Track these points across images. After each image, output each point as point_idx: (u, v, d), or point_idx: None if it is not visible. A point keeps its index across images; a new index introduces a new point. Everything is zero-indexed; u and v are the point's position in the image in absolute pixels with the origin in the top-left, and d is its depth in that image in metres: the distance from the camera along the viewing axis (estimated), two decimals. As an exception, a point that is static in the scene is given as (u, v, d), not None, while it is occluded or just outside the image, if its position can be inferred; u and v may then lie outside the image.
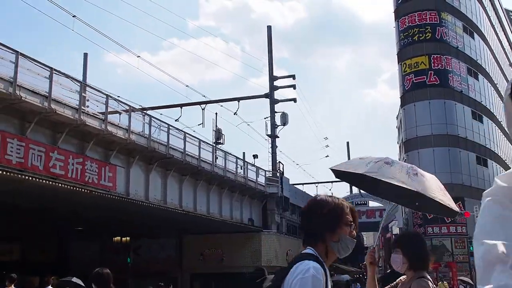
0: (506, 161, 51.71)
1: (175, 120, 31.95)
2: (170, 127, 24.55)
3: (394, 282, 4.22)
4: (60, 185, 18.38)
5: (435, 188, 4.16)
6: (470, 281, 28.74)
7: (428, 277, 3.95)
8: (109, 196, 20.87)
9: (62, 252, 35.98)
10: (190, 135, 25.98)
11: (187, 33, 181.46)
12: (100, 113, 20.16)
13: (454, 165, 40.41)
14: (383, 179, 4.04)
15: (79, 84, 19.25)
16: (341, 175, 4.60)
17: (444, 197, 4.16)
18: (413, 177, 4.10)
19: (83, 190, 19.38)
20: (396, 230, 73.89)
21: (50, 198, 20.78)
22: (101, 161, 20.69)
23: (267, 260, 32.73)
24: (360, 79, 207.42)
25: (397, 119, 76.42)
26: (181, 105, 38.96)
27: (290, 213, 38.93)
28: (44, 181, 17.74)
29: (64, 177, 18.54)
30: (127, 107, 21.88)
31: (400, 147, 74.09)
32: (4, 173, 16.28)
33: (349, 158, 68.05)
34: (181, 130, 25.76)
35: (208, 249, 33.39)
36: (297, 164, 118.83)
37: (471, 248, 35.45)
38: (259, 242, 32.94)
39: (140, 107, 25.84)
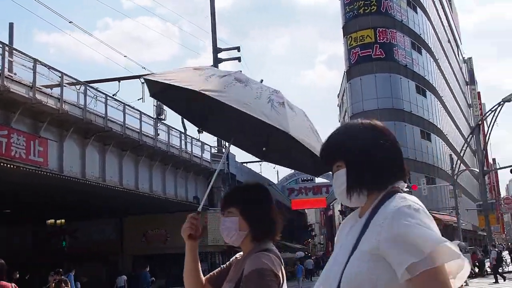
0: (447, 136, 52.44)
1: (113, 95, 29.78)
2: (108, 98, 22.59)
3: (228, 262, 2.66)
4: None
5: (306, 129, 2.74)
6: None
7: (276, 251, 2.37)
8: (40, 173, 18.82)
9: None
10: (130, 106, 24.11)
11: (122, 12, 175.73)
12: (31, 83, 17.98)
13: (400, 139, 39.20)
14: (231, 104, 2.44)
15: (0, 46, 17.01)
16: (159, 94, 2.90)
17: (316, 145, 2.54)
18: (278, 107, 2.57)
19: (8, 166, 17.27)
20: (338, 208, 74.57)
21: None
22: (30, 133, 18.58)
23: (213, 239, 31.32)
24: (298, 60, 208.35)
25: (338, 97, 76.68)
26: (119, 79, 36.52)
27: (236, 190, 37.62)
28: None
29: (-14, 150, 16.45)
30: (59, 75, 19.73)
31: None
32: None
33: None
34: (121, 101, 23.83)
35: (151, 229, 31.71)
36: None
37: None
38: (204, 221, 31.46)
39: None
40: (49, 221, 30.73)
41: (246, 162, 47.14)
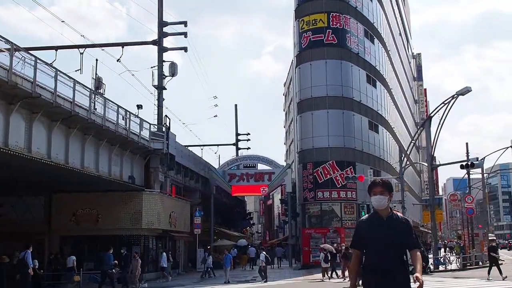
0: (394, 129, 52.45)
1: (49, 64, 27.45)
2: (38, 61, 20.41)
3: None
4: None
5: None
6: (332, 249, 28.20)
7: None
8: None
9: None
10: (63, 73, 21.94)
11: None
12: None
13: (348, 129, 39.67)
14: None
15: None
16: None
17: None
18: None
19: None
20: (278, 197, 73.97)
21: None
22: None
23: (148, 222, 29.73)
24: (245, 50, 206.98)
25: (284, 86, 76.16)
26: (56, 47, 34.24)
27: (175, 172, 36.01)
28: None
29: None
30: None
31: (286, 114, 73.83)
32: None
33: (237, 121, 66.37)
34: (52, 66, 21.65)
35: (81, 209, 29.63)
36: (184, 123, 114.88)
37: (362, 213, 34.95)
38: (140, 202, 29.76)
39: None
40: (-32, 194, 28.13)
41: (188, 146, 45.50)
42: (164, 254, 27.18)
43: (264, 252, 30.53)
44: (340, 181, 38.25)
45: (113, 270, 23.18)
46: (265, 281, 26.33)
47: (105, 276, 22.50)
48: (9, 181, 26.05)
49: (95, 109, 24.92)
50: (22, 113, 20.42)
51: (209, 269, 31.36)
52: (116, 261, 23.75)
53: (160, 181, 32.29)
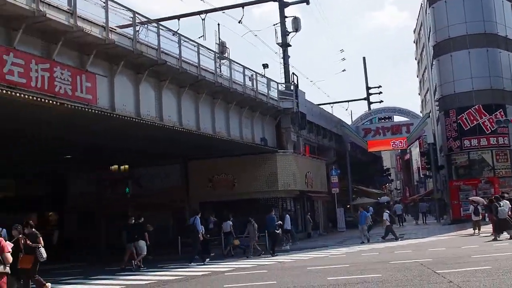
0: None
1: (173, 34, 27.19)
2: (161, 27, 20.04)
3: None
4: (22, 95, 14.29)
5: None
6: (483, 201, 25.30)
7: None
8: (89, 110, 16.80)
9: (58, 186, 32.60)
10: (186, 37, 21.44)
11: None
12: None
13: (494, 69, 35.72)
14: None
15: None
16: None
17: None
18: None
19: (52, 102, 15.27)
20: (415, 151, 70.39)
21: (11, 115, 16.72)
22: (75, 68, 16.47)
23: (284, 184, 29.07)
24: (367, 1, 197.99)
25: (414, 32, 71.42)
26: (178, 17, 34.36)
27: (307, 131, 34.90)
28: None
29: (26, 86, 14.45)
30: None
31: (418, 62, 69.36)
32: None
33: (366, 74, 63.57)
34: (175, 32, 21.21)
35: (217, 174, 29.71)
36: (311, 81, 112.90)
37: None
38: (274, 164, 29.13)
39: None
40: (112, 167, 29.30)
41: (318, 105, 44.08)
42: (288, 216, 26.23)
43: (387, 211, 28.35)
44: (489, 127, 34.76)
45: (279, 230, 22.97)
46: (365, 243, 24.98)
47: (274, 237, 22.16)
48: (146, 152, 26.60)
49: (221, 72, 24.39)
50: (150, 82, 20.32)
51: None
52: (280, 222, 23.61)
53: (292, 141, 31.39)
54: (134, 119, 19.08)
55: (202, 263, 19.18)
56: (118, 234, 21.08)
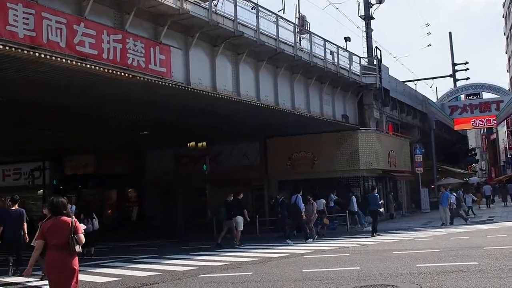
0: None
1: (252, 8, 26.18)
2: (237, -4, 19.07)
3: None
4: (93, 67, 13.90)
5: None
6: None
7: None
8: (163, 84, 16.26)
9: (137, 163, 32.90)
10: (263, 7, 20.39)
11: None
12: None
13: None
14: None
15: None
16: None
17: None
18: None
19: (124, 74, 14.81)
20: (503, 130, 66.16)
21: (86, 88, 16.43)
22: (149, 39, 15.92)
23: (366, 162, 27.67)
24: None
25: (503, 6, 67.77)
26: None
27: (390, 108, 33.11)
28: (69, 61, 13.27)
29: (97, 57, 14.02)
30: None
31: (507, 38, 65.11)
32: (10, 48, 11.90)
33: (452, 50, 59.97)
34: (255, 4, 20.18)
35: (296, 152, 28.74)
36: (394, 57, 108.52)
37: None
38: (355, 142, 27.75)
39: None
40: (190, 144, 29.00)
41: (403, 82, 41.87)
42: (354, 197, 24.80)
43: (454, 194, 26.06)
44: None
45: (381, 210, 22.17)
46: (445, 225, 23.31)
47: (375, 216, 21.19)
48: (224, 129, 26.04)
49: (301, 46, 23.20)
50: (227, 55, 19.57)
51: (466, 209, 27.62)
52: (382, 201, 22.75)
53: (375, 118, 29.79)
54: (210, 94, 18.44)
55: (298, 242, 18.61)
56: (216, 210, 21.35)
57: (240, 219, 19.21)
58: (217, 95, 18.71)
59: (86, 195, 31.96)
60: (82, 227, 6.98)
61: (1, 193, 33.85)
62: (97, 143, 29.35)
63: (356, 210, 24.68)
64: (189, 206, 30.07)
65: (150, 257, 16.14)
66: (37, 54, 12.47)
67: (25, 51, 12.27)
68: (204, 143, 28.57)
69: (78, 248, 6.53)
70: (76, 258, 6.59)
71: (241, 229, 19.31)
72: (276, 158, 29.00)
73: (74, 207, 18.36)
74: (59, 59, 13.01)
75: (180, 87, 17.06)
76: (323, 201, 22.31)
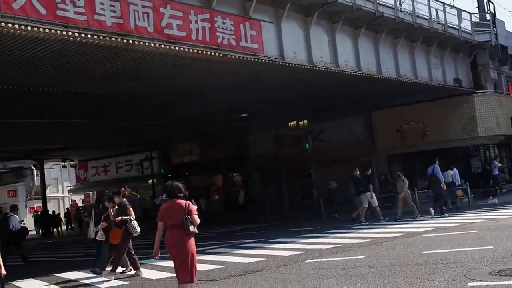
0: None
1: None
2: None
3: None
4: (183, 49, 13.38)
5: None
6: None
7: None
8: (256, 61, 15.44)
9: (240, 147, 32.56)
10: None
11: None
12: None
13: None
14: None
15: None
16: None
17: None
18: None
19: (215, 54, 14.17)
20: None
21: (183, 71, 16.02)
22: (237, 15, 15.12)
23: (485, 129, 25.19)
24: None
25: None
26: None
27: (509, 67, 29.99)
28: (157, 45, 12.85)
29: (186, 39, 13.50)
30: None
31: None
32: (100, 37, 11.63)
33: None
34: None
35: (405, 123, 26.83)
36: (509, 11, 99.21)
37: None
38: (471, 107, 25.35)
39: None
40: (291, 123, 28.07)
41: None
42: (455, 169, 22.25)
43: None
44: None
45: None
46: None
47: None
48: (324, 105, 24.86)
49: (401, 6, 21.32)
50: (321, 24, 18.31)
51: None
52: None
53: (492, 79, 27.07)
54: (306, 67, 17.37)
55: (441, 215, 17.49)
56: (345, 185, 20.68)
57: (368, 195, 18.74)
58: (314, 68, 17.58)
59: (193, 182, 32.17)
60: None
61: (116, 184, 35.08)
62: (200, 130, 29.31)
63: (459, 183, 22.24)
64: (294, 187, 29.22)
65: (256, 242, 15.48)
66: (125, 41, 12.19)
67: (113, 39, 12.00)
68: (306, 122, 27.46)
69: (192, 229, 7.01)
70: (192, 237, 7.07)
71: (366, 206, 18.80)
72: (383, 131, 27.28)
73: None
74: (147, 43, 12.67)
75: (274, 62, 16.17)
76: (451, 172, 20.84)
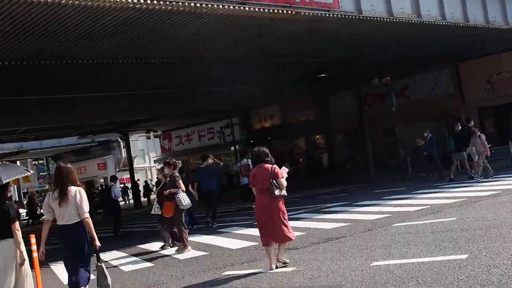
0: None
1: None
2: None
3: None
4: (254, 9, 12.98)
5: None
6: None
7: None
8: (331, 16, 14.73)
9: (321, 108, 31.89)
10: None
11: None
12: None
13: None
14: None
15: None
16: None
17: None
18: None
19: (287, 12, 13.66)
20: None
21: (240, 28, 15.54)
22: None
23: None
24: None
25: None
26: None
27: None
28: (226, 6, 12.52)
29: (258, -1, 13.05)
30: None
31: None
32: (165, 2, 11.46)
33: None
34: None
35: (496, 74, 25.07)
36: None
37: None
38: None
39: None
40: (372, 80, 26.96)
41: None
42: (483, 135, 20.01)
43: None
44: None
45: None
46: None
47: None
48: (407, 59, 23.62)
49: None
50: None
51: None
52: None
53: None
54: (386, 19, 16.41)
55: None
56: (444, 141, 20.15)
57: (472, 150, 16.91)
58: (394, 20, 16.56)
59: (275, 146, 31.95)
60: (284, 170, 7.53)
61: (199, 152, 35.57)
62: (280, 93, 28.88)
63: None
64: (379, 147, 28.25)
65: (340, 205, 15.04)
66: (192, 4, 11.90)
67: (180, 3, 11.75)
68: (388, 78, 26.27)
69: (278, 192, 7.22)
70: (281, 200, 7.36)
71: (477, 160, 16.94)
72: (472, 83, 25.64)
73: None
74: (215, 5, 12.33)
75: (351, 17, 15.36)
76: None
